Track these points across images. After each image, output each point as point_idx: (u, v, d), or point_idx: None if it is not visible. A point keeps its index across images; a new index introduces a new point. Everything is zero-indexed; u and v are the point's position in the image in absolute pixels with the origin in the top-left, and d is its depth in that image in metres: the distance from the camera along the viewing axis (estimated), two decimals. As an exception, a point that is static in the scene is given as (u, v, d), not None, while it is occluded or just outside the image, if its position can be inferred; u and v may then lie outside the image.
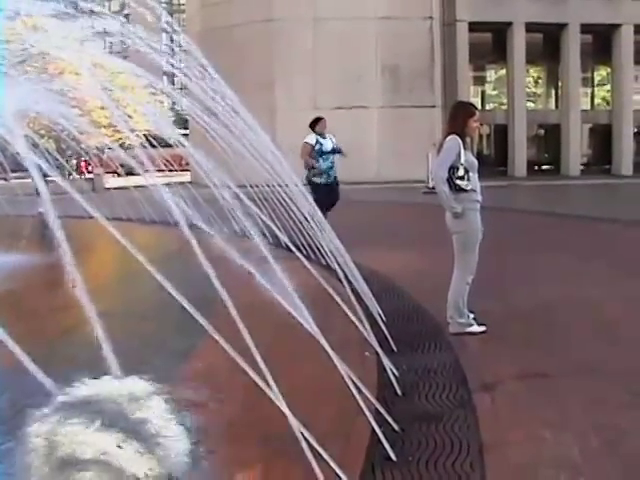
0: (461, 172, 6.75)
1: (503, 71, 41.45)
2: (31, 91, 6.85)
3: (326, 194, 12.95)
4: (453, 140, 6.82)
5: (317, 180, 13.08)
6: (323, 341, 4.03)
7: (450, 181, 6.75)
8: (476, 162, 7.00)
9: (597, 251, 11.74)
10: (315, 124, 13.62)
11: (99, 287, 9.13)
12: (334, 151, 13.59)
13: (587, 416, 4.72)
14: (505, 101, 40.99)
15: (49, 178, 3.37)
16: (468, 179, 6.79)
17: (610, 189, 28.95)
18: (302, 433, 3.38)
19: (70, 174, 30.27)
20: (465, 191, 6.78)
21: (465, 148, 6.85)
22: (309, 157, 13.16)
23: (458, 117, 6.99)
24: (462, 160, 6.76)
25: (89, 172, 33.54)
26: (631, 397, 5.04)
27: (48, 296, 8.39)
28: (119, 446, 1.06)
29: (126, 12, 52.39)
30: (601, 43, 40.68)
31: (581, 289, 8.67)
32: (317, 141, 13.31)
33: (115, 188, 24.01)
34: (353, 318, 5.30)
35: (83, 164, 35.22)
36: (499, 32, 39.12)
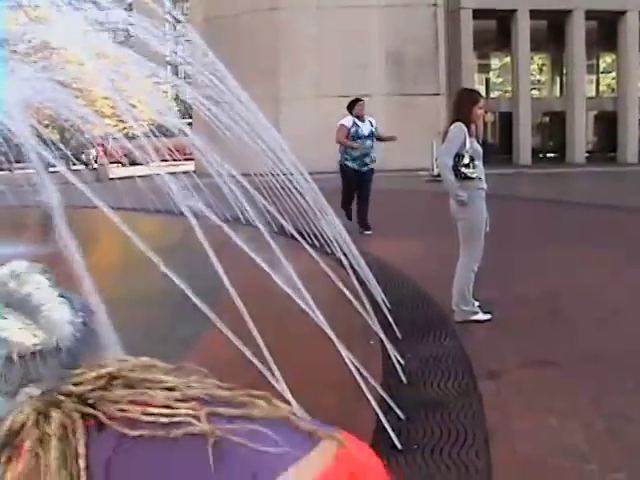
0: (466, 160, 6.74)
1: (508, 59, 41.37)
2: (35, 81, 6.84)
3: (356, 182, 12.68)
4: (458, 128, 6.80)
5: (349, 164, 12.58)
6: (328, 329, 4.03)
7: (455, 169, 6.73)
8: (481, 150, 6.99)
9: (602, 239, 11.71)
10: (352, 106, 12.81)
11: (103, 275, 9.14)
12: (372, 136, 12.75)
13: (593, 403, 4.71)
14: (510, 89, 40.93)
15: (53, 168, 3.37)
16: (473, 167, 6.78)
17: (615, 176, 28.86)
18: (307, 421, 3.37)
19: (87, 164, 30.09)
20: (470, 179, 6.76)
21: (470, 135, 6.84)
22: (346, 139, 12.53)
23: (462, 104, 6.97)
24: (467, 148, 6.74)
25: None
26: (635, 384, 5.03)
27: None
28: (4, 317, 1.13)
29: (129, 1, 52.29)
30: (606, 30, 40.49)
31: (586, 277, 8.65)
32: (354, 123, 12.56)
33: (119, 178, 24.02)
34: (358, 306, 5.29)
35: (100, 152, 33.65)
36: (503, 19, 38.97)
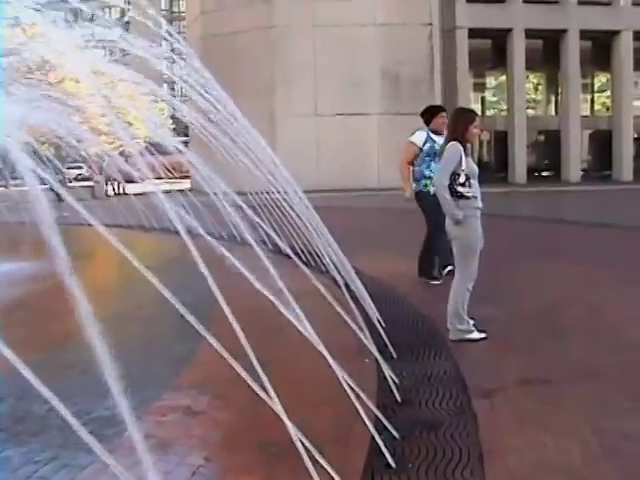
0: (462, 179, 6.77)
1: (503, 77, 41.58)
2: (31, 99, 6.86)
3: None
4: (454, 147, 6.84)
5: (432, 189, 9.07)
6: (322, 348, 4.03)
7: (451, 187, 6.76)
8: (477, 169, 7.02)
9: (598, 257, 11.74)
10: (430, 116, 10.16)
11: (98, 293, 9.13)
12: None
13: (588, 422, 4.70)
14: (505, 107, 41.10)
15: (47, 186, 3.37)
16: (469, 185, 6.81)
17: (610, 195, 28.94)
18: (300, 440, 3.37)
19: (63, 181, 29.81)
20: (466, 198, 6.79)
21: (466, 155, 6.87)
22: (408, 164, 10.17)
23: (458, 123, 7.01)
24: (463, 167, 6.78)
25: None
26: (631, 402, 5.03)
27: (47, 303, 8.38)
28: None
29: (126, 20, 52.50)
30: (601, 49, 40.78)
31: (582, 295, 8.66)
32: (428, 139, 9.99)
33: (115, 195, 24.03)
34: (352, 325, 5.29)
35: (96, 169, 32.54)
36: (499, 38, 39.24)
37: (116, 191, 31.49)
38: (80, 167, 40.78)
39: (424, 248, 9.84)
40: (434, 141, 9.80)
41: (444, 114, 9.98)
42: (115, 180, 28.58)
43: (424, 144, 9.94)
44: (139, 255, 3.23)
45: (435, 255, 9.78)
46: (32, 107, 5.92)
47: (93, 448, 2.33)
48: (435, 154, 9.44)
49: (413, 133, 10.22)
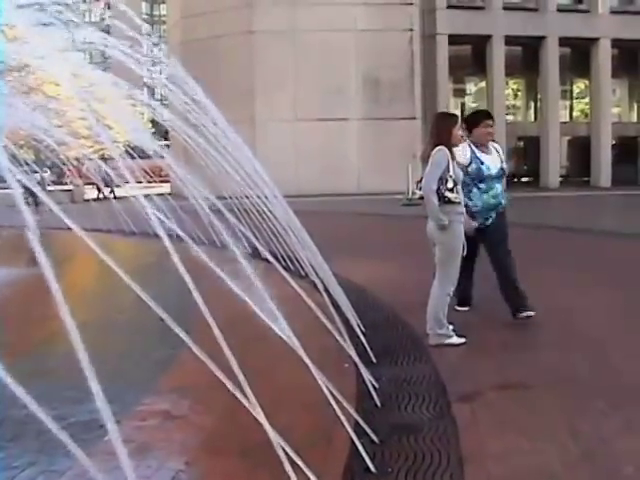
0: (450, 184, 6.79)
1: (483, 83, 41.82)
2: (10, 103, 6.83)
3: (476, 242, 7.71)
4: (442, 152, 6.83)
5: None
6: (302, 352, 4.03)
7: (439, 193, 6.76)
8: (462, 174, 7.06)
9: (578, 262, 11.81)
10: (474, 124, 7.73)
11: (77, 298, 9.09)
12: (502, 176, 7.78)
13: (567, 426, 4.73)
14: (485, 113, 41.19)
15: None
16: (456, 191, 6.84)
17: (589, 200, 29.14)
18: (280, 445, 3.37)
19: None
20: (453, 203, 6.81)
21: (453, 159, 6.88)
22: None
23: (442, 128, 6.98)
24: (451, 172, 6.79)
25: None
26: (609, 406, 5.06)
27: (26, 308, 8.34)
28: None
29: (106, 23, 52.31)
30: (579, 56, 41.08)
31: (562, 299, 8.71)
32: (472, 156, 7.62)
33: (94, 199, 23.92)
34: (332, 329, 5.29)
35: (75, 173, 31.80)
36: (479, 45, 39.47)
37: (105, 195, 31.01)
38: (49, 169, 40.23)
39: (503, 280, 7.70)
40: (480, 161, 7.62)
41: (490, 122, 7.77)
42: (107, 185, 28.33)
43: (469, 163, 7.62)
44: (118, 259, 3.23)
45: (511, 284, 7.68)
46: (12, 110, 5.90)
47: (73, 452, 2.32)
48: (482, 176, 7.60)
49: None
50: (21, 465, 4.19)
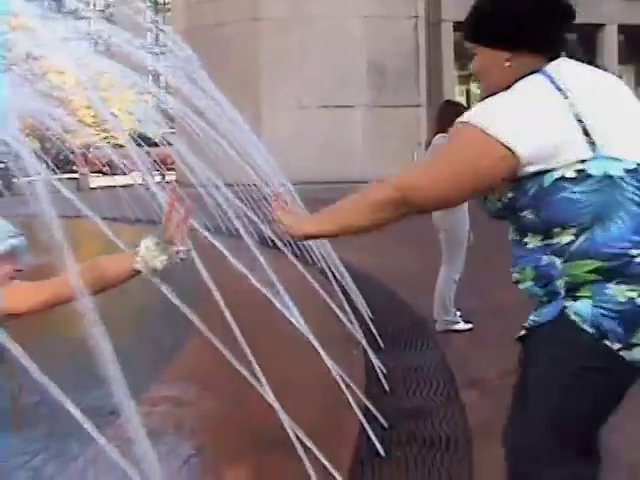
0: None
1: (488, 70, 41.56)
2: (17, 91, 6.82)
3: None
4: (443, 139, 6.82)
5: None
6: (311, 338, 4.05)
7: None
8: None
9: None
10: None
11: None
12: None
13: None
14: (490, 100, 41.08)
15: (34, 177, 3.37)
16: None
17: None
18: (292, 429, 3.39)
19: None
20: None
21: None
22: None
23: (445, 116, 6.98)
24: None
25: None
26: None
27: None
28: None
29: (111, 11, 52.20)
30: (585, 42, 40.88)
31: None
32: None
33: (101, 187, 23.90)
34: (341, 316, 5.31)
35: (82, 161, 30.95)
36: (484, 31, 39.17)
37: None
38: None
39: None
40: None
41: None
42: (100, 172, 28.14)
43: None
44: (126, 246, 3.25)
45: None
46: (18, 99, 5.90)
47: (93, 436, 2.33)
48: None
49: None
50: (33, 450, 4.22)
